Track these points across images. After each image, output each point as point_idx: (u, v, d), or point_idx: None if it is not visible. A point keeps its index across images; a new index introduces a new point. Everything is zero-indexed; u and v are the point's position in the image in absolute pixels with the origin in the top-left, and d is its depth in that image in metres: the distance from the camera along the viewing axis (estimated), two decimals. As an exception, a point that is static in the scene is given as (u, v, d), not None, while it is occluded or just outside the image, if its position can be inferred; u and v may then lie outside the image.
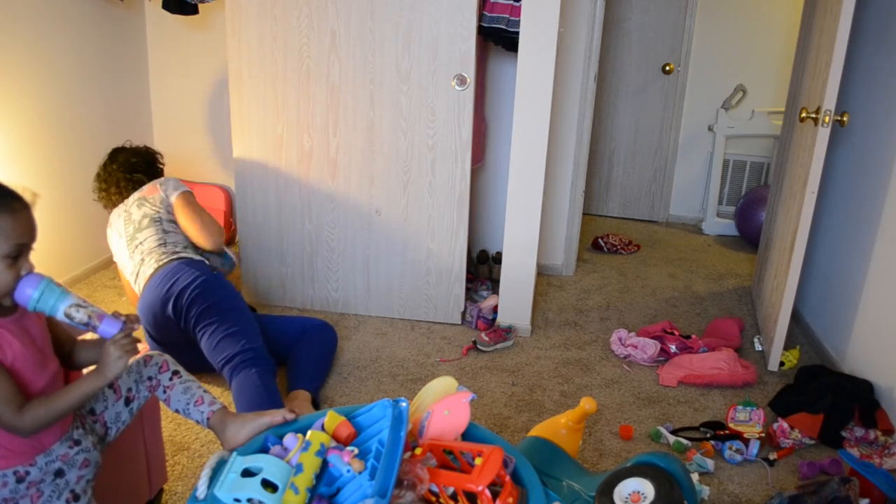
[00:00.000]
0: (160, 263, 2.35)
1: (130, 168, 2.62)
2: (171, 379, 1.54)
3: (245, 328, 2.28)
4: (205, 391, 1.56)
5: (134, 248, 2.42)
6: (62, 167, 3.09)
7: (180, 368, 1.57)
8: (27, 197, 1.28)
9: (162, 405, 1.86)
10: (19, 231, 1.23)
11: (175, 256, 2.37)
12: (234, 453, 1.34)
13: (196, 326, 2.26)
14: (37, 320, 1.33)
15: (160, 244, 2.40)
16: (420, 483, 1.27)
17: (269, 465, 1.29)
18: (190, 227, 2.49)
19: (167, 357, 1.58)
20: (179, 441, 2.09)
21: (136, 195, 2.55)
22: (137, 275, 2.39)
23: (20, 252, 1.24)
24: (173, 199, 2.53)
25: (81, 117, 3.19)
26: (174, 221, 2.51)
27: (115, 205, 2.62)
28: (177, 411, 1.54)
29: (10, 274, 1.23)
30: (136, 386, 1.51)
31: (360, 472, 1.26)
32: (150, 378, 1.53)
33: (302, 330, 2.58)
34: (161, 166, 2.76)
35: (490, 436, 1.53)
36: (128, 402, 1.50)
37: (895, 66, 2.54)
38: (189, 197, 2.55)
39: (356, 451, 1.31)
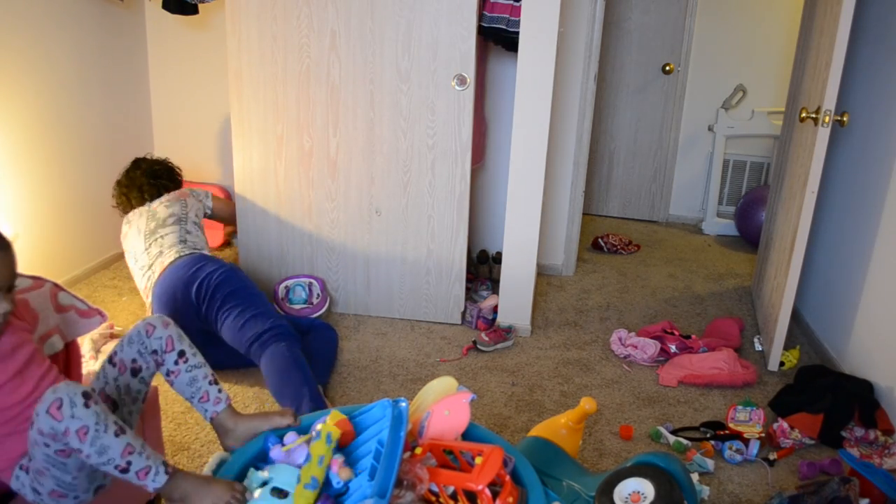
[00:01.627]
0: (181, 255, 2.50)
1: (154, 174, 2.85)
2: (176, 363, 1.48)
3: (269, 311, 2.39)
4: (210, 383, 1.51)
5: (152, 242, 2.56)
6: (62, 166, 3.09)
7: (185, 346, 1.50)
8: (7, 236, 1.26)
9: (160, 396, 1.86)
10: None
11: (196, 251, 2.55)
12: (251, 469, 1.35)
13: (220, 309, 2.35)
14: (15, 340, 1.32)
15: (181, 241, 2.57)
16: (420, 483, 1.27)
17: (278, 474, 1.30)
18: (227, 209, 3.03)
19: (172, 330, 1.50)
20: (179, 441, 2.09)
21: (163, 198, 2.75)
22: (151, 266, 2.49)
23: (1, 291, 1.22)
24: (209, 201, 2.94)
25: (81, 117, 3.19)
26: (198, 224, 2.73)
27: (133, 209, 2.79)
28: (181, 394, 1.52)
29: None
30: (141, 357, 1.47)
31: (346, 480, 1.26)
32: (154, 352, 1.47)
33: (307, 328, 2.65)
34: (179, 178, 2.98)
35: (490, 436, 1.53)
36: (135, 372, 1.47)
37: (895, 66, 2.54)
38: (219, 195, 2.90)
39: (342, 458, 1.31)
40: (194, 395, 1.50)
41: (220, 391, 1.52)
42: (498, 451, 1.32)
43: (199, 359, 1.52)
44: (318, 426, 1.34)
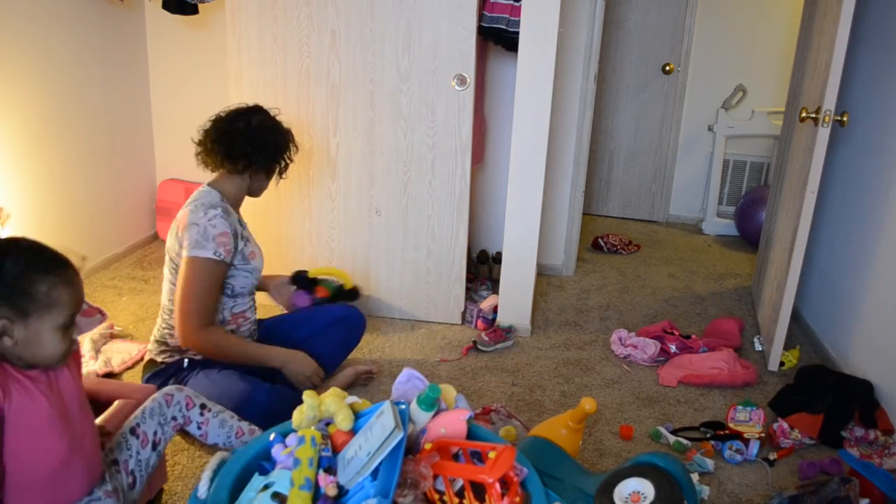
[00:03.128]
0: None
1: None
2: (202, 414, 1.60)
3: None
4: (239, 420, 1.66)
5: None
6: (62, 166, 3.09)
7: (204, 400, 1.64)
8: (76, 262, 1.27)
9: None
10: (76, 300, 1.23)
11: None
12: (255, 474, 1.35)
13: None
14: (69, 378, 1.31)
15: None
16: (423, 481, 1.27)
17: (280, 479, 1.30)
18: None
19: (188, 391, 1.62)
20: (179, 441, 2.09)
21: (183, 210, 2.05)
22: None
23: (73, 321, 1.24)
24: (184, 254, 1.94)
25: (81, 117, 3.19)
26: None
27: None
28: (215, 444, 1.63)
29: (66, 343, 1.22)
30: (161, 429, 1.54)
31: (332, 497, 1.26)
32: (174, 418, 1.57)
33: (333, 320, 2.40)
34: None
35: (490, 436, 1.53)
36: (154, 445, 1.53)
37: (895, 66, 2.55)
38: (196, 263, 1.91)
39: (334, 479, 1.30)
40: (230, 433, 1.63)
41: (249, 424, 1.68)
42: (511, 450, 1.32)
43: (220, 406, 1.67)
44: (300, 432, 1.35)
